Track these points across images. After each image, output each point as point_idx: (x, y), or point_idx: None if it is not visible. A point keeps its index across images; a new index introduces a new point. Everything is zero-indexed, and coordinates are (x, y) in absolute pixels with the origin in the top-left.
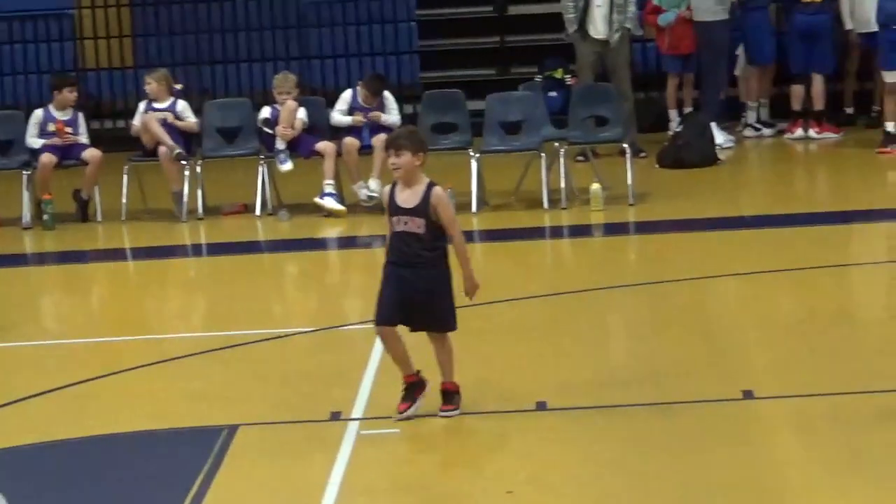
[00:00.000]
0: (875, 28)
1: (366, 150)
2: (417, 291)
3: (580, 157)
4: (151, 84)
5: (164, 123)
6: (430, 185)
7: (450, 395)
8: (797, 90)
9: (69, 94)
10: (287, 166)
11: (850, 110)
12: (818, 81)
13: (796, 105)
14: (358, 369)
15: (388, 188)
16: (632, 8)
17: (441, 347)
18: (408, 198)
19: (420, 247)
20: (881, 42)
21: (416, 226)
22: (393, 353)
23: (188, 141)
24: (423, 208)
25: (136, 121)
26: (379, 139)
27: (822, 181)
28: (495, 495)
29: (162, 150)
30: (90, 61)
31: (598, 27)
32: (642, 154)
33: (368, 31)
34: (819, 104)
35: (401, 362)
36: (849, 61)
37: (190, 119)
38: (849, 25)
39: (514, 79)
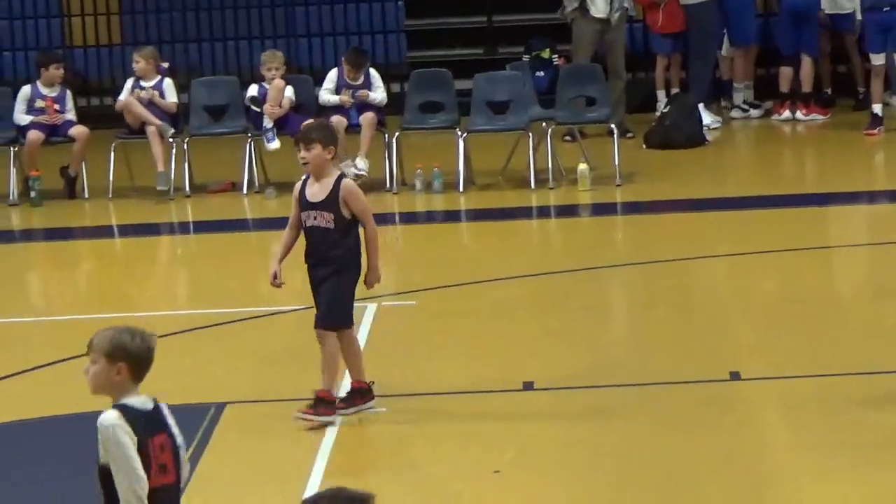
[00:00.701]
0: (847, 10)
1: (353, 128)
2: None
3: (567, 137)
4: (140, 62)
5: (148, 103)
6: (340, 178)
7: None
8: (786, 71)
9: (55, 71)
10: (274, 145)
11: (828, 91)
12: (807, 63)
13: (784, 87)
14: None
15: (298, 183)
16: None
17: (344, 344)
18: (317, 192)
19: (330, 243)
20: (868, 24)
21: (326, 220)
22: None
23: (174, 119)
24: (332, 202)
25: (123, 96)
26: (366, 118)
27: (808, 163)
28: (482, 475)
29: (150, 129)
30: (77, 38)
31: (598, 6)
32: (629, 134)
33: (356, 9)
34: (807, 86)
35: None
36: (822, 42)
37: (171, 99)
38: (826, 8)
39: (502, 58)
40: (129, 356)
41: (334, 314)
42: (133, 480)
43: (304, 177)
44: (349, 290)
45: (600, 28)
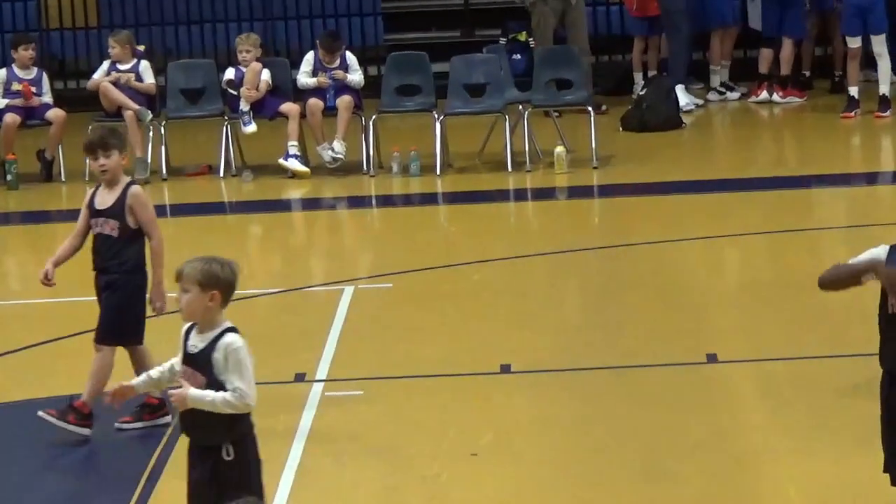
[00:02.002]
0: None
1: (330, 111)
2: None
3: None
4: (115, 48)
5: (124, 86)
6: (129, 185)
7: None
8: (766, 53)
9: (24, 53)
10: (251, 128)
11: (807, 73)
12: (787, 45)
13: (763, 68)
14: (322, 331)
15: (91, 190)
16: None
17: (133, 359)
18: (106, 199)
19: (112, 253)
20: (845, 7)
21: (111, 228)
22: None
23: (150, 100)
24: (118, 210)
25: (97, 76)
26: (343, 100)
27: (786, 145)
28: (459, 457)
29: (128, 114)
30: (54, 21)
31: None
32: (603, 107)
33: None
34: (786, 68)
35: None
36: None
37: (149, 80)
38: None
39: (479, 41)
40: (221, 284)
41: (111, 333)
42: (252, 392)
43: (97, 185)
44: (132, 306)
45: (561, 9)
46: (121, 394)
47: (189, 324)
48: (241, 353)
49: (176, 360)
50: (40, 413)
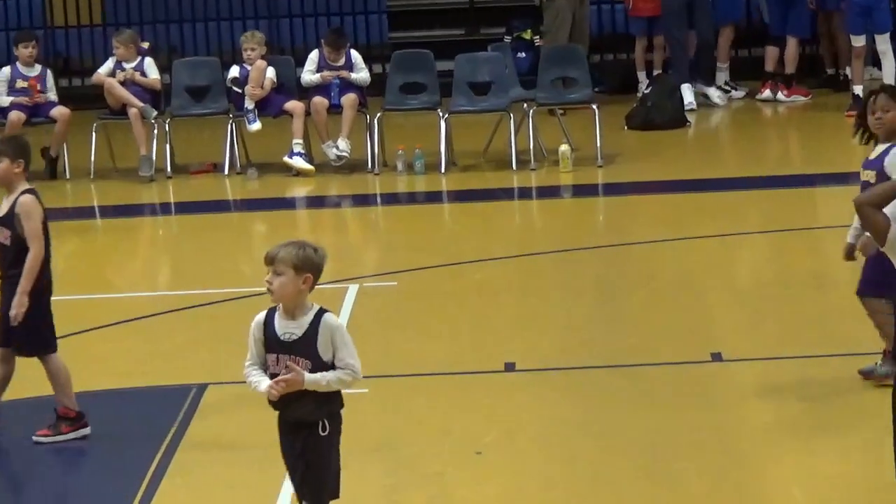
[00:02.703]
0: None
1: (335, 109)
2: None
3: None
4: (119, 48)
5: (130, 83)
6: (22, 193)
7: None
8: (772, 52)
9: (23, 50)
10: (255, 126)
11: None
12: (791, 44)
13: (769, 66)
14: None
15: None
16: None
17: (48, 370)
18: (2, 207)
19: (7, 262)
20: (849, 6)
21: (4, 237)
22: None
23: (155, 97)
24: (9, 218)
25: (102, 70)
26: (348, 99)
27: (790, 143)
28: (463, 456)
29: (132, 111)
30: (59, 19)
31: None
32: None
33: None
34: (790, 67)
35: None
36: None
37: (153, 76)
38: None
39: (483, 39)
40: (314, 268)
41: (25, 345)
42: (358, 364)
43: None
44: (37, 315)
45: (575, 5)
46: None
47: (264, 315)
48: (344, 330)
49: (251, 363)
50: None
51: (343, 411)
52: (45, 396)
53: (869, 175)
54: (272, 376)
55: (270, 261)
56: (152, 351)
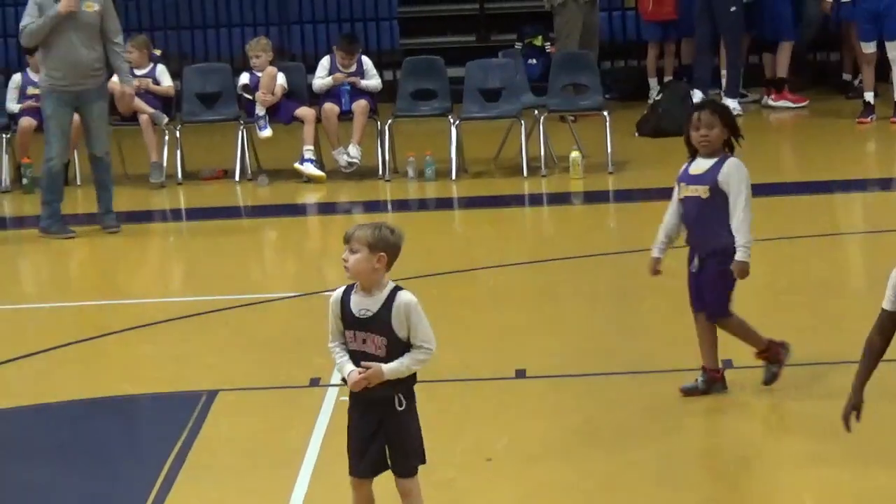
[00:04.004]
0: None
1: (345, 115)
2: None
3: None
4: (132, 52)
5: (144, 91)
6: None
7: None
8: (769, 58)
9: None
10: (266, 132)
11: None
12: (783, 49)
13: (770, 73)
14: None
15: None
16: None
17: None
18: None
19: None
20: (859, 13)
21: None
22: None
23: (166, 103)
24: None
25: (115, 79)
26: (359, 105)
27: (801, 150)
28: (474, 463)
29: (143, 117)
30: None
31: None
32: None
33: None
34: (781, 72)
35: None
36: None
37: (167, 83)
38: None
39: (494, 46)
40: (389, 247)
41: None
42: (434, 340)
43: None
44: None
45: (585, 11)
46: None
47: (341, 292)
48: (419, 307)
49: (334, 342)
50: None
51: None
52: (51, 403)
53: (700, 190)
54: (351, 353)
55: (347, 239)
56: (163, 357)
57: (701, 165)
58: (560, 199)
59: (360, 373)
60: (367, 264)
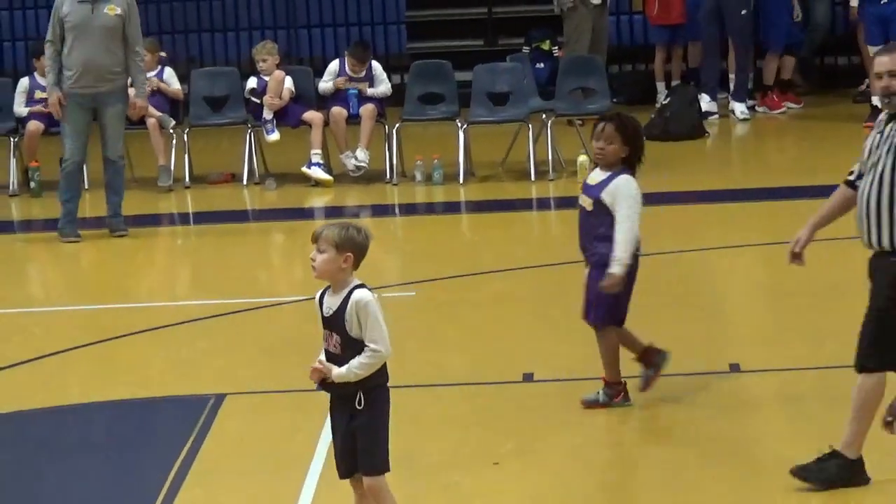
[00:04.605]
0: None
1: (353, 119)
2: None
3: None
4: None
5: (151, 93)
6: None
7: None
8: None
9: (44, 61)
10: (274, 136)
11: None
12: (770, 58)
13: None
14: None
15: None
16: None
17: None
18: None
19: None
20: (866, 17)
21: None
22: None
23: (174, 107)
24: None
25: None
26: (366, 109)
27: (809, 154)
28: (481, 466)
29: (151, 121)
30: None
31: None
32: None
33: (356, 0)
34: (767, 78)
35: None
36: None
37: (175, 86)
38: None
39: (502, 50)
40: (355, 247)
41: None
42: (386, 343)
43: None
44: None
45: (595, 15)
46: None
47: (321, 291)
48: (371, 306)
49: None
50: None
51: (387, 385)
52: (60, 406)
53: (587, 202)
54: (325, 351)
55: (315, 238)
56: (171, 360)
57: (595, 177)
58: (568, 202)
59: (318, 368)
60: (334, 264)
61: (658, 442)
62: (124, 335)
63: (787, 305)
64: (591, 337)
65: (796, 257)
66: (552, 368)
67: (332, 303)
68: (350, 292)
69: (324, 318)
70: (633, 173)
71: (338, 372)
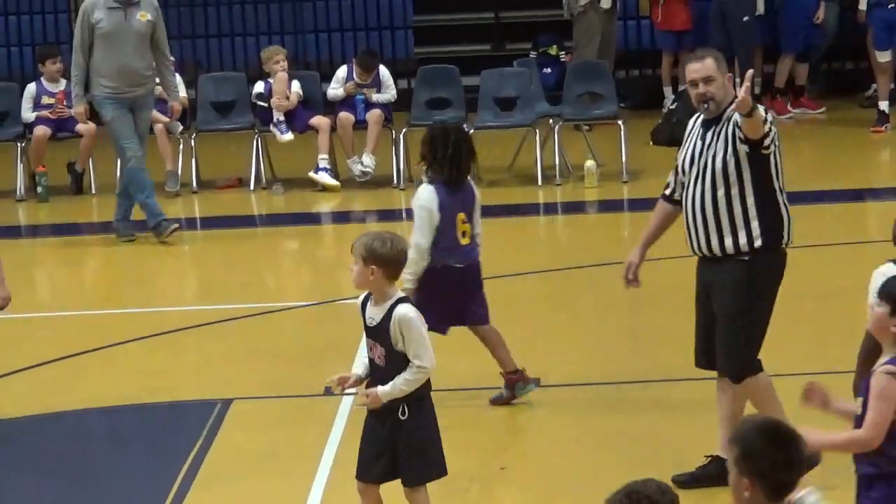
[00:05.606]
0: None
1: (360, 124)
2: None
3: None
4: None
5: (157, 100)
6: None
7: None
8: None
9: (51, 66)
10: (288, 136)
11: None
12: (784, 60)
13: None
14: (352, 344)
15: None
16: None
17: None
18: None
19: None
20: (874, 21)
21: None
22: None
23: (182, 114)
24: None
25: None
26: (373, 114)
27: (815, 158)
28: (489, 471)
29: (158, 126)
30: None
31: None
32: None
33: (363, 5)
34: (779, 81)
35: None
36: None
37: (182, 94)
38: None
39: (509, 55)
40: (379, 259)
41: None
42: (430, 359)
43: None
44: None
45: (605, 19)
46: (345, 382)
47: (362, 297)
48: (414, 323)
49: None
50: None
51: (431, 396)
52: (66, 411)
53: None
54: (370, 360)
55: (352, 250)
56: (178, 365)
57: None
58: (575, 207)
59: (364, 394)
60: (362, 277)
61: (665, 447)
62: (130, 340)
63: (791, 310)
64: (598, 342)
65: (631, 282)
66: (560, 373)
67: (374, 314)
68: (393, 306)
69: (367, 328)
70: (444, 181)
71: (384, 391)
